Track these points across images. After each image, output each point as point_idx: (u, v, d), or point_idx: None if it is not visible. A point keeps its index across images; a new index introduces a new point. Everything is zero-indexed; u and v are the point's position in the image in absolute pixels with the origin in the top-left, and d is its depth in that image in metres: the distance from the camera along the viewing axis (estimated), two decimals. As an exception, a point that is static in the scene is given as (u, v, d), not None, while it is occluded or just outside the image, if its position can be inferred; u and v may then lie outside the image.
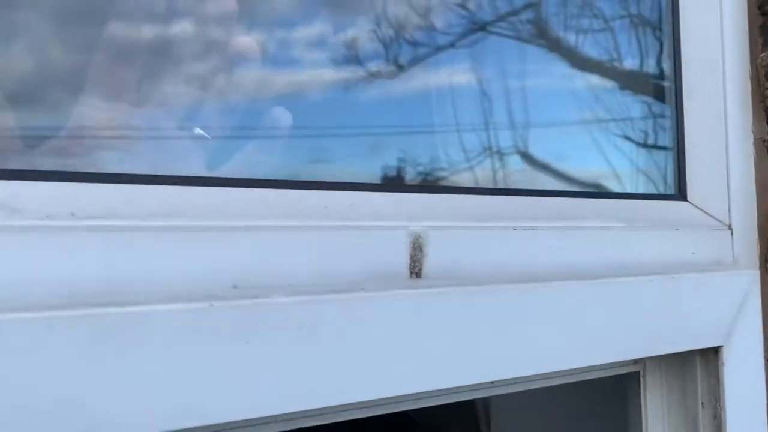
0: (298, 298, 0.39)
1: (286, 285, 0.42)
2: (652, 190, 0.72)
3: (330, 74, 0.61)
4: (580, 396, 0.82)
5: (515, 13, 0.71)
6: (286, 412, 0.41)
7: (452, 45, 0.68)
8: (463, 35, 0.68)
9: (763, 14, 0.71)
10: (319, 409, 0.44)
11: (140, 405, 0.35)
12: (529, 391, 0.87)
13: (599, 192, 0.65)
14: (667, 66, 0.72)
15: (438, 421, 1.57)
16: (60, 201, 0.37)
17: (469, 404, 1.46)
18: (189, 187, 0.42)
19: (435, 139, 0.68)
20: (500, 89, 0.70)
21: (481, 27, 0.68)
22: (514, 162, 0.70)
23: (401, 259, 0.47)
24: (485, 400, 1.34)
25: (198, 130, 0.51)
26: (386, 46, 0.65)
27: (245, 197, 0.44)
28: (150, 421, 0.36)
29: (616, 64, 0.76)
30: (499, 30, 0.70)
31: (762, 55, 0.70)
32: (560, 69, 0.74)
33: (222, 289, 0.40)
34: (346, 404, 0.46)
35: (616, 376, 0.66)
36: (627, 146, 0.74)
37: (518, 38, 0.71)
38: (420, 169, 0.64)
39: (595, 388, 0.76)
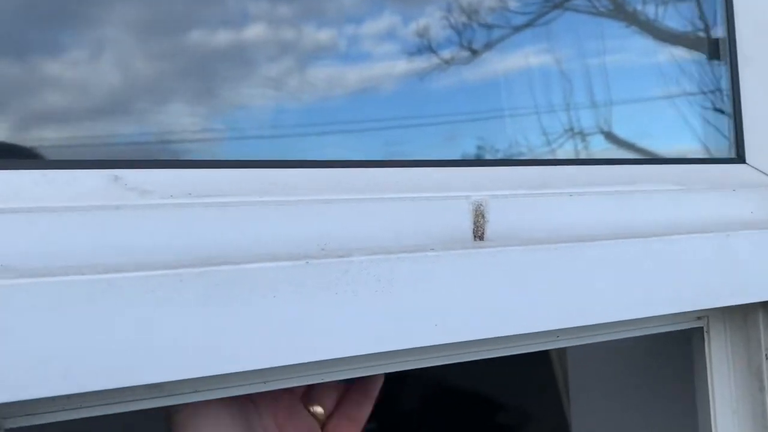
0: (375, 257, 0.47)
1: (367, 247, 0.50)
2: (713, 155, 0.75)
3: (403, 66, 0.67)
4: (651, 352, 0.85)
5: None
6: (362, 354, 0.49)
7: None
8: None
9: (818, -24, 0.72)
10: (395, 352, 0.51)
11: (249, 345, 0.44)
12: (605, 351, 0.92)
13: (654, 158, 0.68)
14: (721, 31, 0.75)
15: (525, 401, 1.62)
16: (196, 184, 0.46)
17: (551, 379, 1.50)
18: (281, 169, 0.51)
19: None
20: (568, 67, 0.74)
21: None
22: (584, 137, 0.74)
23: (466, 225, 0.54)
24: (564, 372, 1.38)
25: None
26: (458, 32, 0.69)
27: (329, 176, 0.52)
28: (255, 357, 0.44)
29: (673, 30, 0.79)
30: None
31: (819, 16, 0.72)
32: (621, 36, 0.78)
33: (313, 251, 0.48)
34: (419, 347, 0.53)
35: (682, 331, 0.70)
36: (688, 111, 0.77)
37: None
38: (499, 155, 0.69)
39: (664, 344, 0.79)
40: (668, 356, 0.80)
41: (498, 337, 0.53)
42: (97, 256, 0.42)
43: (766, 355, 0.66)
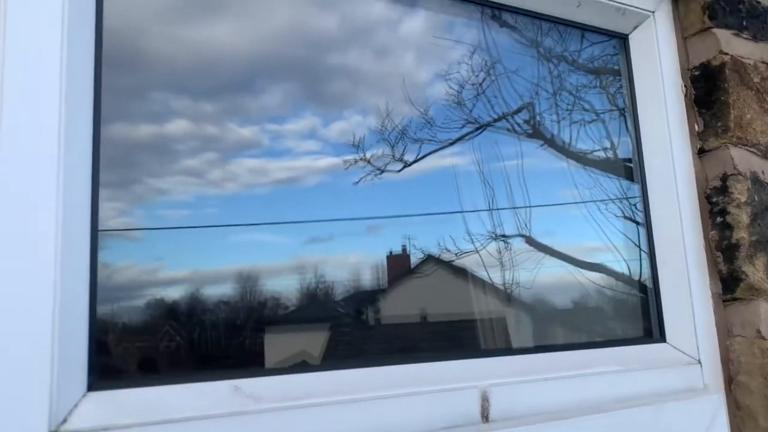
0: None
1: (410, 432, 0.67)
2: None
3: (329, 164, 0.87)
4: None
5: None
6: None
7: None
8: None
9: (710, 203, 0.99)
10: None
11: None
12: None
13: (602, 342, 0.90)
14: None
15: None
16: (291, 389, 0.62)
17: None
18: (344, 370, 0.68)
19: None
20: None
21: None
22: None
23: (475, 409, 0.72)
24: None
25: None
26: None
27: (379, 373, 0.70)
28: None
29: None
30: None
31: (712, 232, 0.98)
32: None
33: (374, 439, 0.65)
34: None
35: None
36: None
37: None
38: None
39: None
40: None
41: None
42: (233, 454, 0.58)
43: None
